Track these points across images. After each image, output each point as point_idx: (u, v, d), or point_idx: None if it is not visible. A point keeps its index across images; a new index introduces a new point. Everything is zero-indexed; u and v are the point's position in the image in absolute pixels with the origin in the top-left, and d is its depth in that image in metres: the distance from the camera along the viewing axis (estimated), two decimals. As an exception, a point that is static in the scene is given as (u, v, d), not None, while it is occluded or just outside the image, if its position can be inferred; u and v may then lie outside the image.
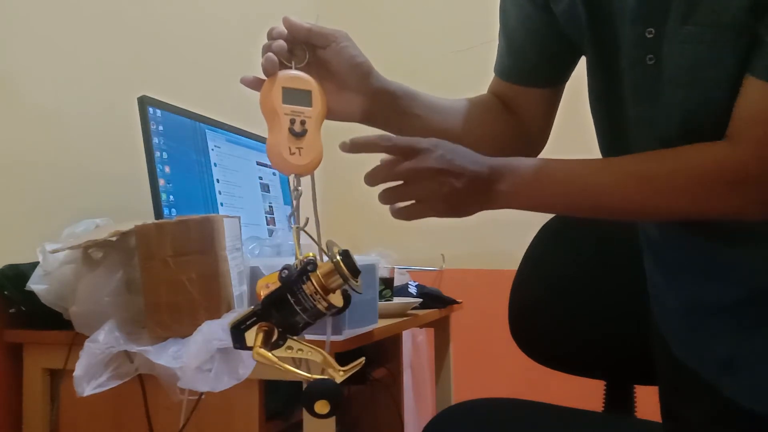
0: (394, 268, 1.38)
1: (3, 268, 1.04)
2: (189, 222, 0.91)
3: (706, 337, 0.76)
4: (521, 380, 1.86)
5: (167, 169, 1.19)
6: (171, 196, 1.18)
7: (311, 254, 0.59)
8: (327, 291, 0.57)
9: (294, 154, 0.61)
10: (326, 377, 0.56)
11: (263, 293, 0.57)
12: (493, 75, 0.91)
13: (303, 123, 0.62)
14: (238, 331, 0.57)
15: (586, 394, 1.29)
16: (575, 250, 1.32)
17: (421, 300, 1.41)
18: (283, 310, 0.56)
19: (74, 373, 0.85)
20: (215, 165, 1.34)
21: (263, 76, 0.65)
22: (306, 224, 0.62)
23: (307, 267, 0.56)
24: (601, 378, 1.25)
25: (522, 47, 0.84)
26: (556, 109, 0.89)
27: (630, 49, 0.69)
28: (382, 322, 1.09)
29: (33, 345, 1.05)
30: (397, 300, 1.34)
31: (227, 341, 0.83)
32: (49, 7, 1.22)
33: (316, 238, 0.62)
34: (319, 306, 0.56)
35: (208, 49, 1.67)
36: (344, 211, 2.26)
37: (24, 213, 1.14)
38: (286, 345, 0.58)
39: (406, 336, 1.89)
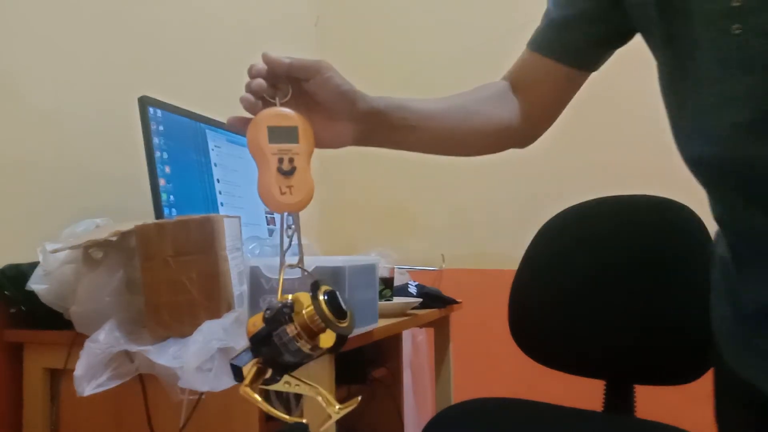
0: (394, 268, 1.38)
1: (3, 268, 1.04)
2: (189, 222, 0.91)
3: None
4: (521, 380, 1.86)
5: (167, 169, 1.19)
6: (171, 196, 1.18)
7: (289, 297, 0.57)
8: (314, 333, 0.55)
9: (285, 193, 0.61)
10: (302, 421, 0.58)
11: (252, 332, 0.57)
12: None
13: (291, 161, 0.62)
14: (236, 365, 0.57)
15: (586, 394, 1.29)
16: (575, 250, 1.32)
17: (420, 300, 1.41)
18: (270, 350, 0.56)
19: (74, 373, 0.85)
20: (215, 165, 1.34)
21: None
22: (299, 262, 0.63)
23: (283, 310, 0.55)
24: (601, 378, 1.25)
25: (569, 23, 0.83)
26: (571, 98, 0.88)
27: (714, 21, 0.65)
28: (382, 322, 1.09)
29: (33, 345, 1.05)
30: (397, 300, 1.34)
31: (227, 341, 0.83)
32: (49, 7, 1.22)
33: (306, 273, 0.63)
34: (304, 348, 0.55)
35: (208, 50, 1.67)
36: (344, 211, 2.26)
37: (24, 213, 1.14)
38: (283, 380, 0.58)
39: (406, 336, 1.89)
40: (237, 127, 0.67)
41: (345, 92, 0.69)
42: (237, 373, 0.57)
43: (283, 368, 0.58)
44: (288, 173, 0.62)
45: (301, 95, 0.68)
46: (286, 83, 0.67)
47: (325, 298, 0.56)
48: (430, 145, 0.80)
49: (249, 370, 0.56)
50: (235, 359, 0.57)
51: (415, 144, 0.78)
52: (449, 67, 2.17)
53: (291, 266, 0.62)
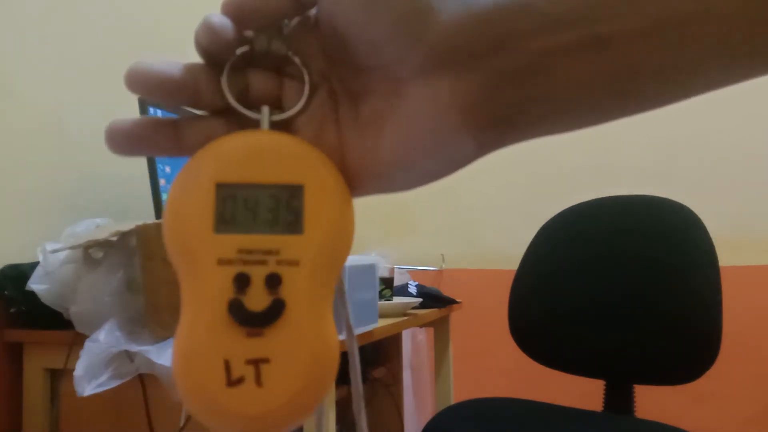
0: (394, 267, 1.38)
1: (3, 268, 1.04)
2: (189, 222, 0.90)
3: None
4: (521, 380, 1.87)
5: (168, 169, 1.19)
6: (171, 196, 1.19)
7: None
8: None
9: (240, 382, 0.24)
10: None
11: None
12: None
13: (274, 282, 0.25)
14: None
15: (586, 394, 1.29)
16: (575, 250, 1.32)
17: (420, 300, 1.41)
18: None
19: (74, 373, 0.85)
20: (215, 165, 1.34)
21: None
22: None
23: None
24: (601, 378, 1.25)
25: None
26: None
27: None
28: (382, 322, 1.09)
29: (33, 345, 1.05)
30: (397, 300, 1.34)
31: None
32: (49, 6, 1.22)
33: None
34: None
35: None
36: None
37: (24, 213, 1.14)
38: None
39: (406, 336, 1.89)
40: (128, 143, 0.27)
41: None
42: None
43: None
44: (259, 320, 0.24)
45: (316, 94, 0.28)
46: (291, 55, 0.27)
47: None
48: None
49: None
50: None
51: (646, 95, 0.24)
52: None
53: None
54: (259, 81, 0.28)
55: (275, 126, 0.27)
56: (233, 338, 0.24)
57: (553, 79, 0.24)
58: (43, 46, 1.21)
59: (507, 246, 1.92)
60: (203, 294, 0.25)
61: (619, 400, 1.22)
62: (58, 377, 1.02)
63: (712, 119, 1.82)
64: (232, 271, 0.25)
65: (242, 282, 0.25)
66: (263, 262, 0.25)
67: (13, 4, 1.15)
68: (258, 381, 0.24)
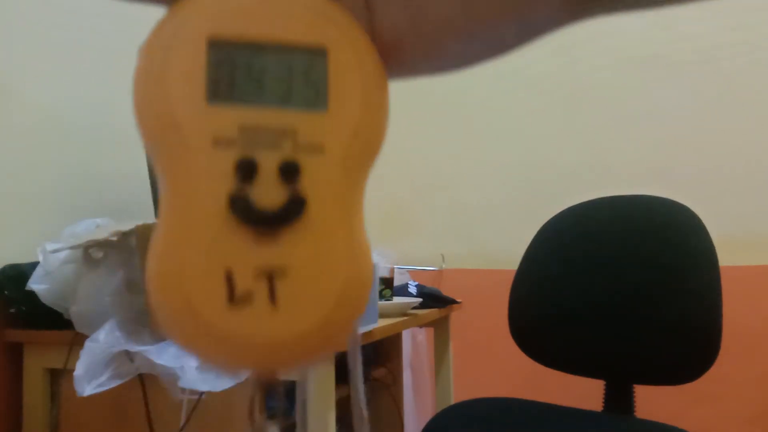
0: (394, 267, 1.38)
1: (3, 268, 1.04)
2: (189, 222, 0.90)
3: None
4: (521, 380, 1.87)
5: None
6: (171, 196, 1.18)
7: None
8: None
9: (248, 299, 0.18)
10: None
11: None
12: None
13: (290, 172, 0.19)
14: None
15: (586, 394, 1.29)
16: (575, 250, 1.32)
17: (420, 300, 1.41)
18: None
19: (75, 373, 0.85)
20: (215, 165, 1.34)
21: None
22: None
23: None
24: (601, 378, 1.25)
25: None
26: None
27: None
28: (382, 322, 1.09)
29: (33, 345, 1.05)
30: (397, 300, 1.34)
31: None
32: (49, 7, 1.22)
33: None
34: None
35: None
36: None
37: (24, 213, 1.14)
38: None
39: (406, 336, 1.89)
40: None
41: None
42: None
43: None
44: (272, 220, 0.18)
45: None
46: None
47: None
48: None
49: None
50: None
51: None
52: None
53: None
54: None
55: None
56: (237, 241, 0.18)
57: None
58: (43, 46, 1.21)
59: (507, 246, 1.92)
60: (193, 185, 0.18)
61: (619, 400, 1.22)
62: (58, 377, 1.02)
63: (713, 119, 1.82)
64: (233, 154, 0.18)
65: (247, 170, 0.18)
66: (275, 146, 0.19)
67: (14, 3, 1.15)
68: (272, 298, 0.18)
